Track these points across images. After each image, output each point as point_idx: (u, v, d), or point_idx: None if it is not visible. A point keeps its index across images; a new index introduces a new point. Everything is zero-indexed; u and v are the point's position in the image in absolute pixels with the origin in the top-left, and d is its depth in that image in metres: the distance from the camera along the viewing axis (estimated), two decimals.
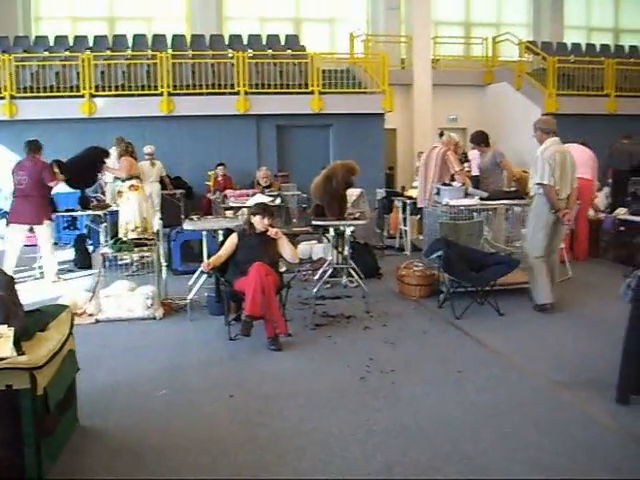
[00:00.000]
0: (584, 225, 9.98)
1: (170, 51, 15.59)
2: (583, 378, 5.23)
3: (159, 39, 16.60)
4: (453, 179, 8.47)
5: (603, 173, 13.71)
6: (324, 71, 15.44)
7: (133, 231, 9.09)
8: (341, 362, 5.62)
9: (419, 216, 9.99)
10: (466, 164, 10.94)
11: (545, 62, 17.25)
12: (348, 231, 7.89)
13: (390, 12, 18.91)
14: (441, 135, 9.22)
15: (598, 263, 9.79)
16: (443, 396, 4.87)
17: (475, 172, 10.15)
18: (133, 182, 9.41)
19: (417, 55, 17.43)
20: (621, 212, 9.90)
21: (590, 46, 20.19)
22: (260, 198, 9.32)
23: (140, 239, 7.96)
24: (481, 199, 7.89)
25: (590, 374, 5.29)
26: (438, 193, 8.00)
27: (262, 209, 6.54)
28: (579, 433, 4.25)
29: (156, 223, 9.30)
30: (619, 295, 4.82)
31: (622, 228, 9.63)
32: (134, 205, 9.31)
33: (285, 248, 6.44)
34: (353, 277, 8.01)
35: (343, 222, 7.91)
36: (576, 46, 19.96)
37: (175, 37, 16.80)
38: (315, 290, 7.61)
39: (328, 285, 8.23)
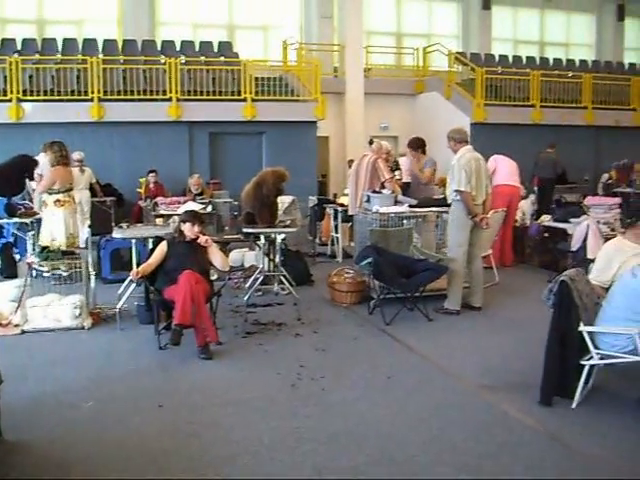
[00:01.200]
0: (511, 231, 10.23)
1: (101, 56, 15.29)
2: (508, 381, 5.38)
3: (90, 43, 16.28)
4: (383, 187, 8.58)
5: (529, 181, 14.15)
6: (257, 78, 15.41)
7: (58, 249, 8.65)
8: (272, 369, 5.63)
9: (350, 223, 10.09)
10: (397, 172, 11.07)
11: (474, 73, 17.61)
12: (279, 238, 7.92)
13: (323, 21, 19.01)
14: (371, 143, 9.34)
15: (524, 268, 10.06)
16: (372, 401, 4.94)
17: (406, 179, 10.31)
18: (59, 197, 8.26)
19: (349, 64, 17.56)
20: (545, 219, 10.20)
21: (517, 58, 20.71)
22: (191, 206, 9.25)
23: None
24: (410, 206, 8.03)
25: (514, 377, 5.46)
26: (368, 200, 8.10)
27: (192, 217, 6.51)
28: (503, 434, 4.37)
29: (85, 231, 9.09)
30: (542, 300, 4.99)
31: (546, 234, 9.92)
32: (59, 223, 8.23)
33: (215, 256, 6.42)
34: (284, 284, 8.02)
35: (274, 230, 7.93)
36: (503, 58, 20.45)
37: (106, 41, 16.49)
38: (246, 298, 7.61)
39: (259, 293, 8.22)
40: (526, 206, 12.01)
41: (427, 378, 5.45)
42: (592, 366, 4.80)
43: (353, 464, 3.97)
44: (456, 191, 7.20)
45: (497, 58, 20.30)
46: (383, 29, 20.70)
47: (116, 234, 7.77)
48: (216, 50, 17.08)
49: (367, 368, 5.69)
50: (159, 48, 16.63)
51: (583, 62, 21.37)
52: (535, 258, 10.08)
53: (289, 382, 5.32)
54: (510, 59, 20.53)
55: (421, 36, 20.76)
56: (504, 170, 10.31)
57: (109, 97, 14.22)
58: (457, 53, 19.40)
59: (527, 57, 20.88)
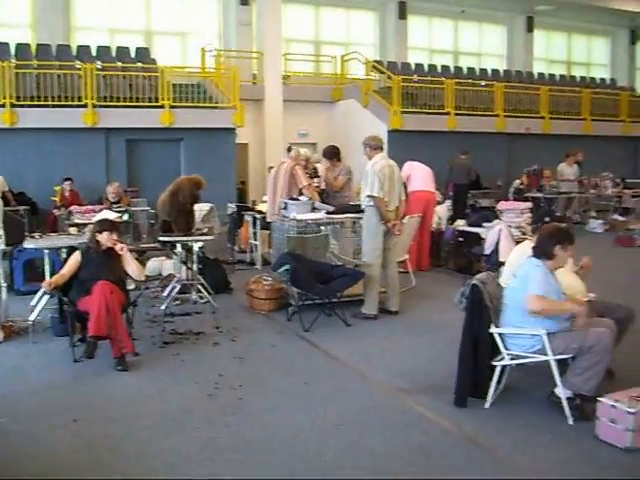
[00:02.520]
0: (427, 236, 10.43)
1: (14, 60, 14.86)
2: (424, 383, 5.48)
3: (2, 47, 15.79)
4: (301, 194, 8.63)
5: (445, 187, 14.49)
6: (175, 85, 15.26)
7: None
8: (189, 380, 5.58)
9: (269, 230, 10.08)
10: (316, 179, 11.15)
11: (390, 81, 17.92)
12: (196, 247, 7.85)
13: (241, 28, 18.97)
14: (289, 150, 9.39)
15: (440, 272, 10.25)
16: (291, 409, 4.95)
17: (324, 186, 10.40)
18: None
19: (268, 71, 17.57)
20: (460, 224, 10.45)
21: (432, 66, 21.20)
22: (106, 214, 9.06)
23: None
24: (327, 213, 8.10)
25: (430, 379, 5.56)
26: (285, 207, 8.13)
27: (107, 225, 6.39)
28: (420, 437, 4.46)
29: None
30: (455, 304, 5.11)
31: (461, 239, 10.15)
32: None
33: (130, 265, 6.31)
34: (203, 293, 7.96)
35: (190, 238, 7.87)
36: (419, 66, 20.89)
37: (19, 46, 16.02)
38: (164, 307, 7.52)
39: (178, 302, 8.13)
40: (442, 211, 12.27)
41: (345, 383, 5.50)
42: (504, 366, 4.94)
43: (270, 473, 3.97)
44: (369, 197, 7.30)
45: (413, 66, 20.74)
46: (302, 37, 20.81)
47: (28, 244, 7.56)
48: (133, 56, 16.82)
49: (285, 375, 5.71)
50: (74, 53, 16.25)
51: (495, 71, 22.05)
52: (451, 262, 10.30)
53: (207, 392, 5.28)
54: (426, 68, 21.00)
55: (339, 44, 20.95)
56: (419, 176, 10.53)
57: (22, 103, 13.81)
58: (374, 61, 19.69)
59: (442, 66, 21.40)
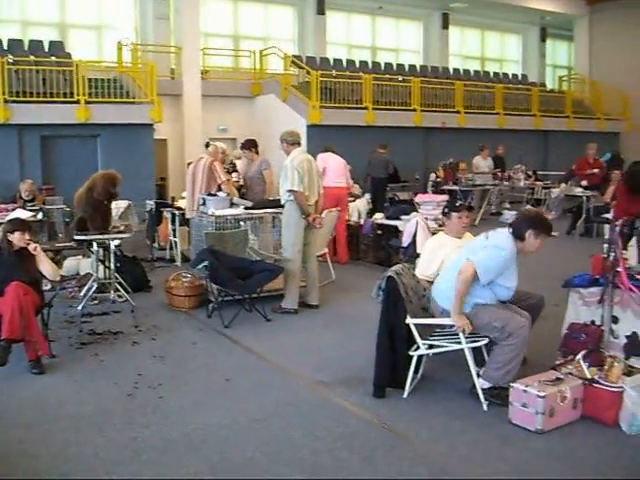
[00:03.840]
0: (343, 230, 10.54)
1: None
2: (344, 375, 5.53)
3: None
4: (220, 189, 8.59)
5: (364, 180, 14.67)
6: (91, 80, 14.93)
7: None
8: (108, 380, 5.48)
9: (189, 227, 10.00)
10: (234, 174, 11.12)
11: (309, 76, 18.01)
12: (113, 245, 7.72)
13: (159, 22, 18.68)
14: (207, 146, 9.34)
15: (359, 265, 10.36)
16: (211, 405, 4.94)
17: (242, 182, 10.39)
18: None
19: (186, 65, 17.40)
20: (378, 217, 10.60)
21: (350, 62, 21.40)
22: (20, 213, 8.82)
23: None
24: (246, 208, 8.10)
25: (350, 371, 5.62)
26: (204, 203, 8.08)
27: (19, 225, 6.21)
28: (339, 428, 4.51)
29: None
30: (372, 297, 5.19)
31: (379, 232, 10.29)
32: None
33: (44, 265, 6.14)
34: (121, 292, 7.84)
35: (106, 236, 7.73)
36: (338, 61, 21.05)
37: None
38: (80, 307, 7.38)
39: (95, 301, 7.97)
40: (361, 205, 12.42)
41: (265, 378, 5.52)
42: (420, 356, 5.06)
43: (192, 470, 3.96)
44: (289, 191, 7.34)
45: (332, 62, 20.88)
46: (220, 31, 20.67)
47: None
48: (47, 49, 16.37)
49: (206, 372, 5.68)
50: None
51: (412, 67, 22.43)
52: (370, 255, 10.43)
53: (126, 392, 5.20)
54: (344, 63, 21.17)
55: (258, 39, 20.92)
56: (331, 171, 10.69)
57: None
58: (293, 56, 19.76)
59: (360, 61, 21.63)
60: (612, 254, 4.74)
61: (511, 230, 4.88)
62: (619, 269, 4.68)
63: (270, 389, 5.28)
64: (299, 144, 7.65)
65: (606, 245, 4.88)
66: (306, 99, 17.45)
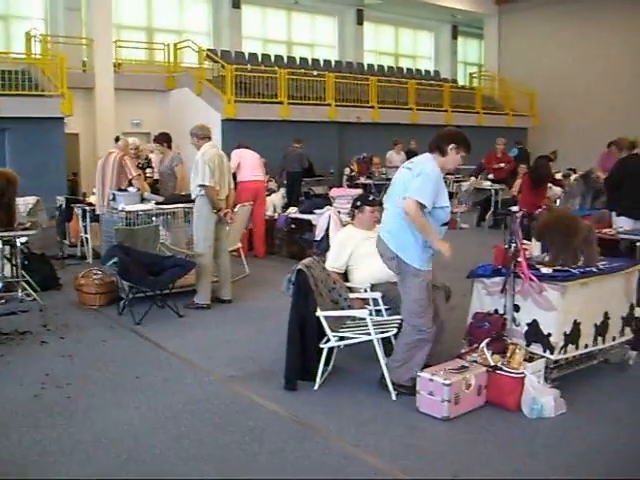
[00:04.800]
0: (261, 224, 10.55)
1: None
2: (255, 370, 5.56)
3: None
4: (131, 184, 8.45)
5: (279, 175, 14.69)
6: None
7: None
8: (14, 381, 5.32)
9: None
10: (148, 170, 10.97)
11: (224, 70, 17.89)
12: (19, 242, 7.49)
13: (70, 13, 18.18)
14: (117, 140, 9.18)
15: (274, 259, 10.38)
16: (120, 404, 4.86)
17: (157, 176, 10.25)
18: None
19: (99, 58, 17.00)
20: (292, 211, 10.65)
21: (266, 56, 21.37)
22: None
23: None
24: (157, 203, 8.00)
25: (261, 365, 5.65)
26: (114, 199, 7.94)
27: None
28: (249, 422, 4.52)
29: None
30: (283, 291, 5.22)
31: (293, 226, 10.35)
32: None
33: None
34: (29, 290, 7.62)
35: (12, 233, 7.50)
36: (253, 55, 20.99)
37: None
38: None
39: (2, 301, 7.72)
40: (277, 199, 12.44)
41: (176, 375, 5.48)
42: (331, 348, 5.12)
43: (100, 470, 3.90)
44: (200, 186, 7.29)
45: (247, 56, 20.80)
46: (134, 23, 20.30)
47: None
48: None
49: (115, 370, 5.59)
50: None
51: (327, 62, 22.58)
52: (284, 249, 10.46)
53: (32, 393, 5.06)
54: (259, 57, 21.13)
55: (172, 32, 20.65)
56: (248, 165, 10.65)
57: None
58: (208, 50, 19.58)
59: (276, 56, 21.63)
60: (513, 245, 4.90)
61: (432, 147, 4.94)
62: (520, 259, 4.85)
63: (181, 385, 5.24)
64: (209, 138, 7.61)
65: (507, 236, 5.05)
66: (221, 93, 17.33)
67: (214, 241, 7.47)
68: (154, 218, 8.04)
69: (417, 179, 4.72)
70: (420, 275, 4.80)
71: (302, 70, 20.12)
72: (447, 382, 4.47)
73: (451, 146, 4.88)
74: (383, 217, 5.10)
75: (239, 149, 11.06)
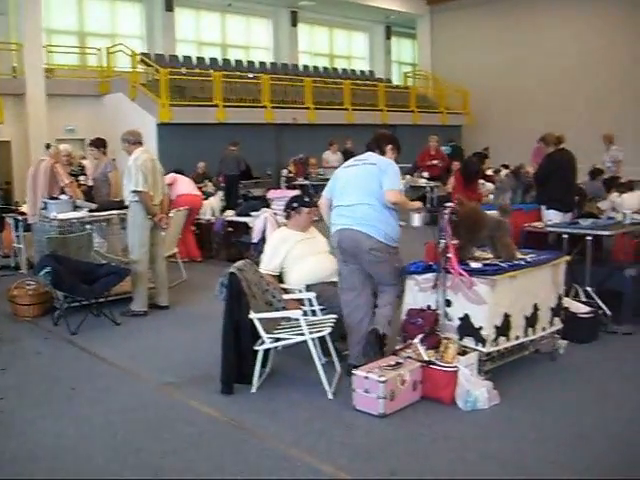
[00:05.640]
0: (194, 229, 10.48)
1: None
2: (193, 375, 5.52)
3: None
4: (63, 192, 8.31)
5: (216, 178, 14.65)
6: None
7: None
8: None
9: None
10: (82, 177, 10.80)
11: (158, 74, 17.72)
12: None
13: None
14: (48, 147, 8.99)
15: (212, 264, 10.29)
16: (56, 416, 4.78)
17: (91, 183, 10.09)
18: None
19: (29, 63, 16.64)
20: (229, 214, 10.62)
21: (200, 59, 21.25)
22: None
23: None
24: (90, 211, 7.89)
25: (199, 371, 5.61)
26: (46, 207, 7.80)
27: None
28: (187, 429, 4.50)
29: None
30: (215, 295, 5.20)
31: (230, 229, 10.31)
32: None
33: None
34: None
35: None
36: (187, 59, 20.85)
37: None
38: None
39: None
40: (215, 203, 12.37)
41: (113, 384, 5.41)
42: (267, 350, 5.12)
43: None
44: (134, 192, 7.21)
45: (181, 59, 20.66)
46: (65, 28, 19.94)
47: None
48: None
49: (51, 382, 5.48)
50: None
51: (262, 64, 22.59)
52: (222, 253, 10.41)
53: None
54: (194, 60, 21.00)
55: (105, 36, 20.37)
56: (184, 183, 10.64)
57: None
58: (141, 54, 19.37)
59: (210, 58, 21.54)
60: (442, 241, 4.99)
61: (372, 147, 5.52)
62: (449, 255, 4.94)
63: (117, 395, 5.18)
64: (141, 143, 7.53)
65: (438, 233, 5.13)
66: (155, 97, 17.17)
67: (150, 247, 7.40)
68: (88, 226, 7.91)
69: (389, 174, 5.21)
70: (397, 250, 5.34)
71: (237, 72, 20.09)
72: (382, 379, 4.52)
73: (389, 146, 5.49)
74: (349, 213, 5.28)
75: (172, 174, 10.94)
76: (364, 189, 5.22)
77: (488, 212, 5.70)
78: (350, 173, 5.42)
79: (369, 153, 5.47)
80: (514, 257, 5.23)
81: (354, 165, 5.46)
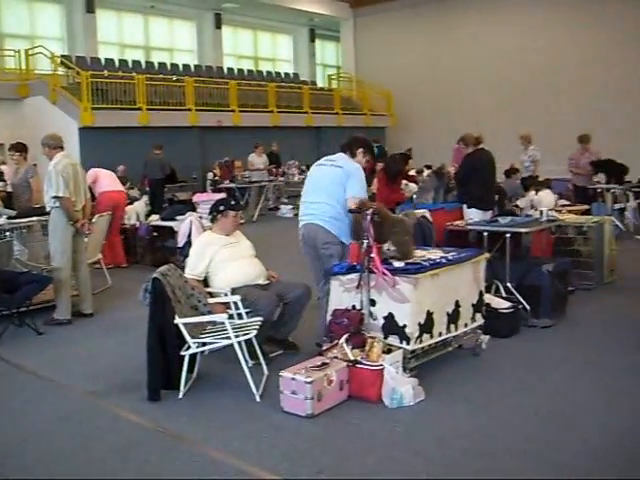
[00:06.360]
0: (117, 234, 10.29)
1: None
2: (119, 383, 5.43)
3: None
4: None
5: (141, 182, 14.47)
6: None
7: None
8: None
9: None
10: (0, 183, 10.51)
11: (79, 76, 17.38)
12: None
13: None
14: None
15: (137, 269, 10.11)
16: None
17: (10, 189, 9.83)
18: None
19: None
20: (154, 218, 10.50)
21: (123, 62, 20.93)
22: None
23: None
24: (9, 218, 7.68)
25: (124, 378, 5.52)
26: None
27: None
28: (114, 437, 4.43)
29: None
30: (139, 300, 5.13)
31: (155, 234, 10.19)
32: None
33: None
34: None
35: None
36: (110, 61, 20.51)
37: None
38: None
39: None
40: (140, 207, 12.20)
41: (37, 395, 5.28)
42: (193, 355, 5.09)
43: None
44: (55, 197, 7.06)
45: (103, 61, 20.32)
46: None
47: None
48: None
49: None
50: None
51: (186, 66, 22.42)
52: (147, 258, 10.27)
53: None
54: (117, 63, 20.67)
55: (23, 37, 19.86)
56: (106, 178, 10.41)
57: None
58: (62, 56, 18.96)
59: (133, 61, 21.26)
60: (365, 241, 5.05)
61: (344, 148, 5.93)
62: (372, 255, 5.01)
63: (42, 405, 5.06)
64: (62, 148, 7.37)
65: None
66: (77, 101, 16.86)
67: (72, 254, 7.25)
68: (8, 233, 7.70)
69: (354, 180, 5.62)
70: (346, 247, 5.74)
71: (161, 75, 19.89)
72: (309, 380, 4.55)
73: (360, 150, 5.87)
74: (312, 210, 5.80)
75: (94, 169, 10.74)
76: (327, 190, 5.73)
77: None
78: (319, 173, 5.94)
79: (340, 154, 5.91)
80: (409, 256, 5.29)
81: (324, 165, 5.93)
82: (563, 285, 6.95)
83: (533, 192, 10.24)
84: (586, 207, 10.57)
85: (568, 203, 10.83)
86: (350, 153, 5.85)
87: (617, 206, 12.59)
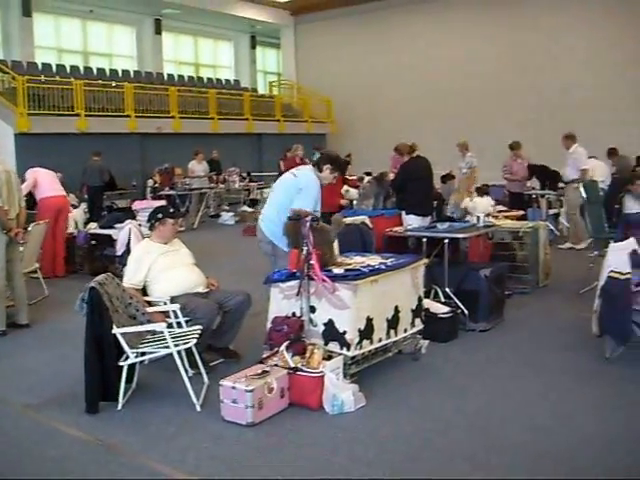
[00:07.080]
0: (61, 241, 10.08)
1: None
2: (56, 396, 5.31)
3: None
4: None
5: (80, 189, 14.24)
6: None
7: None
8: None
9: None
10: None
11: (15, 81, 17.03)
12: None
13: None
14: None
15: (75, 278, 9.87)
16: None
17: None
18: None
19: None
20: (92, 226, 10.34)
21: (61, 67, 20.56)
22: None
23: None
24: None
25: (62, 390, 5.41)
26: None
27: None
28: (51, 451, 4.34)
29: None
30: (75, 310, 5.03)
31: (94, 242, 10.02)
32: None
33: None
34: None
35: None
36: (47, 66, 20.12)
37: None
38: None
39: None
40: (78, 215, 12.01)
41: None
42: (132, 365, 5.02)
43: None
44: None
45: (40, 66, 19.92)
46: None
47: None
48: None
49: None
50: None
51: (126, 72, 22.13)
52: (86, 266, 10.08)
53: None
54: (54, 68, 20.31)
55: None
56: (46, 181, 10.13)
57: None
58: None
59: (71, 66, 20.90)
60: (305, 248, 5.07)
61: (313, 163, 6.28)
62: (312, 262, 5.03)
63: None
64: None
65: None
66: (12, 106, 16.49)
67: (6, 263, 7.07)
68: None
69: (303, 195, 5.81)
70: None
71: (100, 81, 19.59)
72: (249, 388, 4.53)
73: (327, 166, 6.04)
74: (265, 209, 6.24)
75: (32, 168, 10.52)
76: (277, 197, 6.12)
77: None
78: (280, 180, 6.36)
79: (308, 167, 6.33)
80: (329, 263, 5.31)
81: (290, 173, 6.23)
82: (500, 289, 7.09)
83: (467, 199, 10.43)
84: (522, 213, 10.80)
85: (505, 209, 11.04)
86: (318, 168, 6.08)
87: (552, 211, 12.92)
